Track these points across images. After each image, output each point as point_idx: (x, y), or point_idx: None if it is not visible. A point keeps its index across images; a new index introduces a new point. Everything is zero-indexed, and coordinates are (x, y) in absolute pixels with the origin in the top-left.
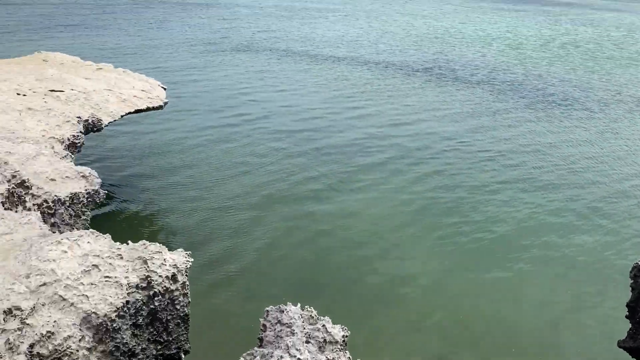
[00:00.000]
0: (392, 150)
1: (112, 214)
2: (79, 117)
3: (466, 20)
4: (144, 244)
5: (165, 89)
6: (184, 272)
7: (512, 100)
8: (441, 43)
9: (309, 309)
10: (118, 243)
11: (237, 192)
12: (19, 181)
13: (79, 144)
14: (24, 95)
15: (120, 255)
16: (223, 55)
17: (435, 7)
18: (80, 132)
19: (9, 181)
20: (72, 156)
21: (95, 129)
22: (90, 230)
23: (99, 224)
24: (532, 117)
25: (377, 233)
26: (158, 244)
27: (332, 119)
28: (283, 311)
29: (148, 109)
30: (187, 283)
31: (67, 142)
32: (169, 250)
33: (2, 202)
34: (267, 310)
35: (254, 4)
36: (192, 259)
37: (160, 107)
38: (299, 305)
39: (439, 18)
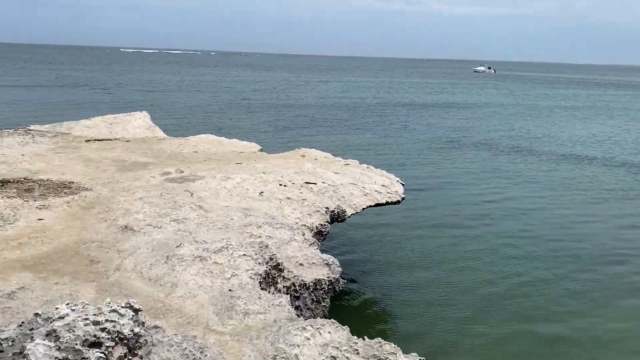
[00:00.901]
0: None
1: (348, 303)
2: (327, 208)
3: None
4: (379, 342)
5: (403, 184)
6: None
7: None
8: None
9: None
10: (355, 337)
11: (474, 302)
12: (275, 264)
13: (325, 233)
14: (285, 185)
15: (356, 350)
16: (462, 153)
17: None
18: (327, 221)
19: (267, 263)
20: (319, 244)
21: (339, 219)
22: (332, 320)
23: (336, 312)
24: None
25: None
26: (393, 345)
27: (585, 226)
28: None
29: (387, 203)
30: None
31: (315, 230)
32: (402, 352)
33: (260, 282)
34: None
35: (494, 103)
36: None
37: (398, 202)
38: None
39: None
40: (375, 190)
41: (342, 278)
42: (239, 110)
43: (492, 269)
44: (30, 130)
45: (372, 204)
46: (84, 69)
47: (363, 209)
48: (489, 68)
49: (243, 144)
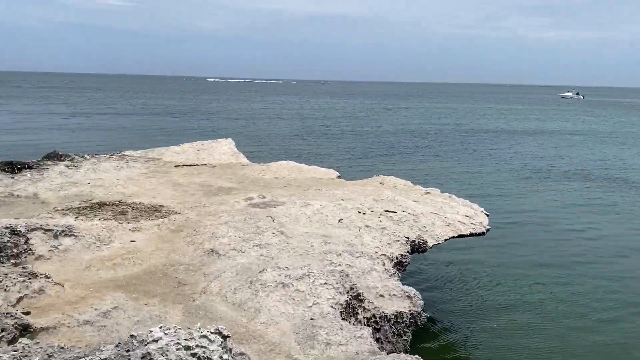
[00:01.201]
0: None
1: (430, 338)
2: (407, 238)
3: None
4: None
5: (488, 215)
6: None
7: None
8: None
9: None
10: None
11: (561, 348)
12: (355, 294)
13: (405, 263)
14: (364, 213)
15: None
16: (552, 183)
17: None
18: (408, 252)
19: (347, 292)
20: (399, 274)
21: (420, 249)
22: (416, 355)
23: (417, 347)
24: None
25: None
26: None
27: None
28: None
29: (471, 235)
30: None
31: (396, 260)
32: None
33: (341, 311)
34: None
35: (585, 130)
36: None
37: (482, 234)
38: None
39: None
40: (458, 221)
41: (424, 312)
42: (317, 137)
43: (586, 314)
44: (124, 155)
45: (455, 235)
46: (174, 98)
47: (445, 239)
48: (577, 94)
49: (322, 171)
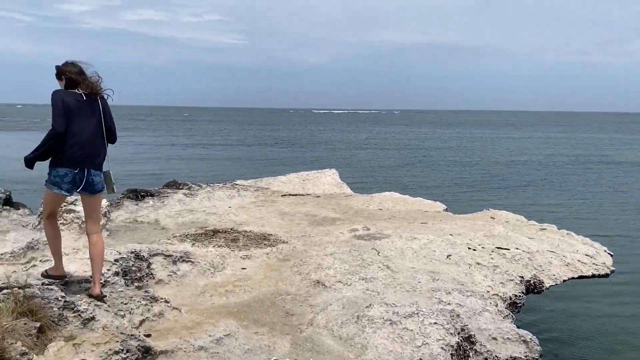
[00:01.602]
0: None
1: None
2: (521, 277)
3: None
4: None
5: (612, 255)
6: None
7: None
8: None
9: None
10: None
11: None
12: (467, 335)
13: (519, 305)
14: (474, 249)
15: None
16: None
17: None
18: (522, 292)
19: (459, 334)
20: (513, 317)
21: (535, 290)
22: None
23: None
24: None
25: None
26: None
27: None
28: None
29: (593, 276)
30: None
31: (509, 301)
32: None
33: (451, 354)
34: None
35: None
36: None
37: (606, 275)
38: None
39: None
40: (578, 260)
41: (542, 358)
42: (423, 167)
43: None
44: (236, 184)
45: (575, 275)
46: (281, 129)
47: (564, 280)
48: None
49: (427, 203)
